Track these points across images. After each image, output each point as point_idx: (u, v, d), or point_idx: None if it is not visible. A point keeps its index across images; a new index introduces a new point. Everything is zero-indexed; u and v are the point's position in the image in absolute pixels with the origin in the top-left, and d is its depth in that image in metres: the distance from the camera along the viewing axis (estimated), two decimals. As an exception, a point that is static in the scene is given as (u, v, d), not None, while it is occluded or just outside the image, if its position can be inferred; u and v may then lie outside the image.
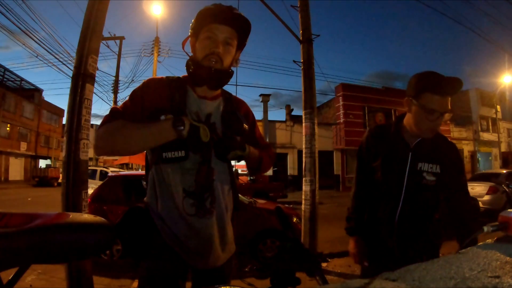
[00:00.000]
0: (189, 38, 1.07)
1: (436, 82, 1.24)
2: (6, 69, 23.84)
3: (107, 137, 0.96)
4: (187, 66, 1.06)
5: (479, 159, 24.21)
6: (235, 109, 1.11)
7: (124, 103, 1.04)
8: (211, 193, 1.04)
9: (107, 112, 1.04)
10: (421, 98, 1.26)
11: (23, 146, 25.96)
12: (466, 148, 23.52)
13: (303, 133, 4.63)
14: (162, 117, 0.97)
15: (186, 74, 1.09)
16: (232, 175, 1.14)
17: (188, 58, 1.07)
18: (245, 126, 1.04)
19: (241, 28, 1.04)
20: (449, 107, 1.26)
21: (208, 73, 1.00)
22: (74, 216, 0.61)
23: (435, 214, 1.38)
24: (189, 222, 1.01)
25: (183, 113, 1.00)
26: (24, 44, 8.44)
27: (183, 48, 1.10)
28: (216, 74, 1.01)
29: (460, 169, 1.36)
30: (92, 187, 5.57)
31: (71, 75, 2.78)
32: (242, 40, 1.07)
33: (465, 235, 1.20)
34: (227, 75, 1.06)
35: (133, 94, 1.04)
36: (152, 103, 1.01)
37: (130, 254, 1.02)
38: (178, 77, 1.10)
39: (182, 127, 0.91)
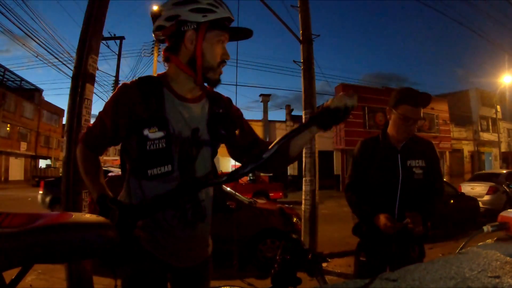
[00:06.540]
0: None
1: (411, 95, 1.54)
2: (6, 69, 23.81)
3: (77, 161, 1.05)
4: (198, 63, 0.94)
5: (483, 158, 24.17)
6: (224, 109, 1.07)
7: (95, 124, 1.00)
8: (193, 204, 1.00)
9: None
10: (399, 108, 1.53)
11: (23, 146, 25.92)
12: (466, 148, 23.48)
13: (303, 133, 4.62)
14: (146, 132, 0.91)
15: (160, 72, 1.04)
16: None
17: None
18: (236, 132, 1.06)
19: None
20: (421, 116, 1.54)
21: (217, 80, 0.99)
22: (77, 216, 0.61)
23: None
24: (171, 232, 0.98)
25: (165, 122, 0.94)
26: (24, 45, 8.42)
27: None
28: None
29: (437, 160, 1.64)
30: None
31: (71, 75, 2.78)
32: None
33: (429, 208, 1.49)
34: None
35: (104, 113, 0.97)
36: (126, 117, 0.93)
37: (107, 264, 0.92)
38: (150, 77, 1.01)
39: (98, 208, 0.91)
